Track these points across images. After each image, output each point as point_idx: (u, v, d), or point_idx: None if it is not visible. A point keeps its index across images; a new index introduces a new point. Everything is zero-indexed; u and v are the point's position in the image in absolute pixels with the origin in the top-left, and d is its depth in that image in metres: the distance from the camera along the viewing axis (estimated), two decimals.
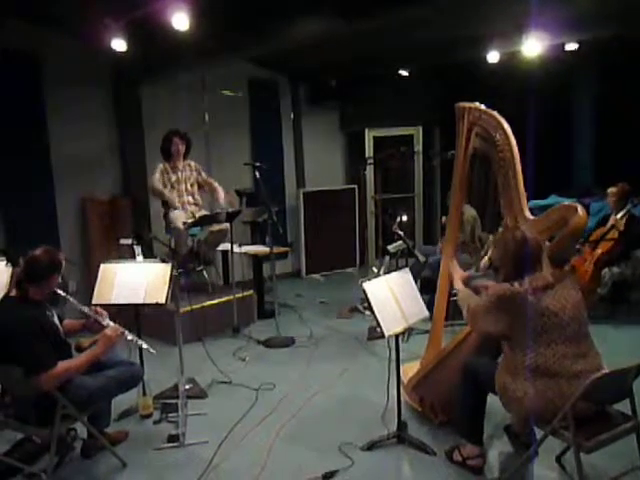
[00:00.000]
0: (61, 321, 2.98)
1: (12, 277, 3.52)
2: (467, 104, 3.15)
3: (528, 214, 2.86)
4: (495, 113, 3.06)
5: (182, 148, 5.06)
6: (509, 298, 2.45)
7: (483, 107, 3.11)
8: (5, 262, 3.43)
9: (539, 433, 2.51)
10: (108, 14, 4.31)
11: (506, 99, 4.64)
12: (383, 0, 3.97)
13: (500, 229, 4.31)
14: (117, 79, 5.68)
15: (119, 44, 4.49)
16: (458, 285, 2.97)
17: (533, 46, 5.14)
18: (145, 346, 2.99)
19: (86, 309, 2.98)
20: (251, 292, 5.41)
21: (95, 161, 5.62)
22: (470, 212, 5.13)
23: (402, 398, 3.19)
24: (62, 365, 2.64)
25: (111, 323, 2.93)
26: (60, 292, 2.89)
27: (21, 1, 4.62)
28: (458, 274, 3.07)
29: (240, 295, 5.14)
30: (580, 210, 2.62)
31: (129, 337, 2.93)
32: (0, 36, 4.81)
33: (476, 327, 2.73)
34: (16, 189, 5.05)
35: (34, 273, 2.72)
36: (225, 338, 4.96)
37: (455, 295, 4.33)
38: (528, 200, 2.94)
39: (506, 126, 2.95)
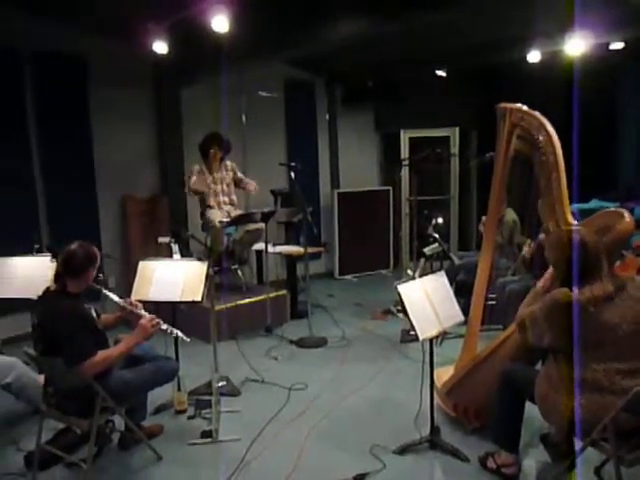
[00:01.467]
0: (98, 316, 3.07)
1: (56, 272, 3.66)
2: (509, 105, 3.09)
3: (571, 219, 2.80)
4: (537, 114, 2.99)
5: (220, 153, 5.12)
6: (566, 306, 2.28)
7: (525, 108, 3.05)
8: (50, 258, 3.55)
9: (578, 444, 2.44)
10: (151, 18, 4.41)
11: (547, 99, 4.55)
12: (422, 1, 3.93)
13: (541, 235, 4.25)
14: (158, 80, 5.81)
15: (160, 47, 4.59)
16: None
17: (576, 45, 5.02)
18: (180, 335, 3.03)
19: (121, 301, 3.04)
20: (284, 292, 5.44)
21: (135, 160, 5.76)
22: (511, 215, 5.04)
23: (435, 402, 3.16)
24: (102, 354, 2.72)
25: (146, 314, 2.98)
26: (95, 285, 2.95)
27: (69, 7, 4.77)
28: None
29: (273, 294, 5.17)
30: (627, 216, 2.55)
31: (164, 327, 2.97)
32: (49, 39, 4.98)
33: (524, 337, 2.55)
34: (61, 187, 5.22)
35: (71, 267, 2.80)
36: (258, 337, 5.00)
37: (490, 300, 4.31)
38: (570, 204, 2.87)
39: (549, 127, 2.89)
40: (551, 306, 2.36)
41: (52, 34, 5.00)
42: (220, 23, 3.99)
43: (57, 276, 2.82)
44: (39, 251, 4.11)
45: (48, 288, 2.88)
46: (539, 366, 2.71)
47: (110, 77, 5.41)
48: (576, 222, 2.80)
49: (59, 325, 2.67)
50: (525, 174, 3.32)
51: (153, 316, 2.94)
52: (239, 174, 5.34)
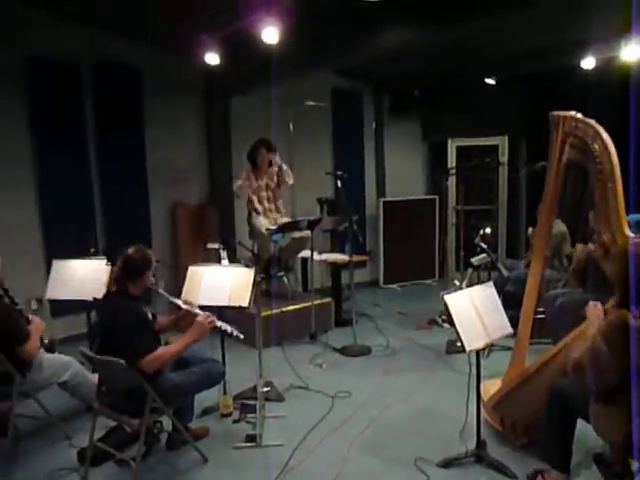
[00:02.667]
0: (154, 317, 3.17)
1: (111, 276, 3.80)
2: (562, 113, 3.00)
3: (627, 231, 2.70)
4: (593, 122, 2.90)
5: (267, 155, 5.19)
6: (622, 328, 2.17)
7: (580, 116, 2.97)
8: (106, 261, 3.69)
9: (635, 464, 2.35)
10: (204, 31, 4.55)
11: (602, 107, 4.43)
12: (472, 9, 3.91)
13: (590, 245, 4.12)
14: (208, 91, 5.97)
15: (212, 58, 4.73)
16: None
17: (633, 51, 4.86)
18: (235, 331, 3.11)
19: (178, 300, 3.15)
20: (329, 299, 5.46)
21: (186, 168, 5.93)
22: (560, 227, 4.90)
23: (482, 416, 3.10)
24: (161, 349, 2.83)
25: (201, 312, 3.07)
26: (154, 287, 3.07)
27: (127, 21, 4.98)
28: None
29: (318, 302, 5.20)
30: None
31: (218, 324, 3.06)
32: (107, 51, 5.21)
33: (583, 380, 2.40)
34: (115, 193, 5.42)
35: (130, 270, 2.92)
36: (302, 344, 5.03)
37: (540, 313, 4.20)
38: (626, 215, 2.77)
39: (605, 136, 2.80)
40: (608, 330, 2.26)
41: (110, 47, 5.23)
42: (270, 35, 4.08)
43: (117, 279, 2.95)
44: (95, 254, 4.29)
45: (110, 289, 3.01)
46: None
47: (163, 87, 5.59)
48: (633, 234, 2.70)
49: (121, 324, 2.80)
50: (577, 184, 3.24)
51: (208, 314, 3.02)
52: (278, 161, 5.29)
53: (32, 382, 3.20)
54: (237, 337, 3.13)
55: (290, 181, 5.29)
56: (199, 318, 3.00)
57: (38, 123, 4.98)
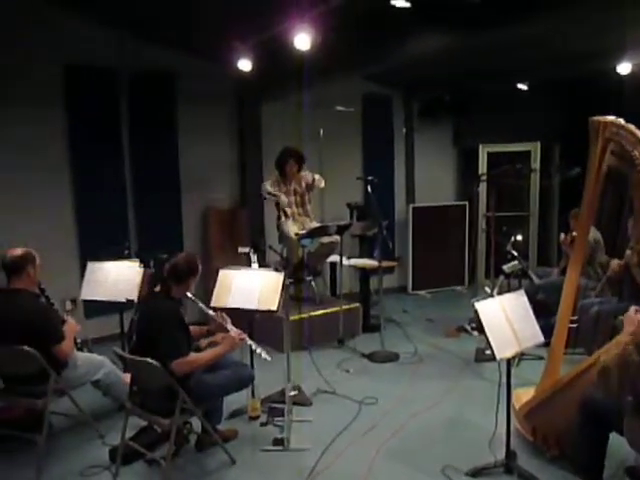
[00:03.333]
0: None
1: (144, 278, 3.89)
2: (603, 118, 2.94)
3: None
4: (634, 128, 2.83)
5: (296, 168, 5.22)
6: None
7: (622, 122, 2.90)
8: (138, 264, 3.77)
9: None
10: (237, 38, 4.61)
11: (638, 113, 4.31)
12: (504, 14, 3.87)
13: (628, 252, 4.02)
14: (240, 96, 6.04)
15: (245, 64, 4.79)
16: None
17: None
18: (263, 354, 3.17)
19: (212, 313, 3.21)
20: (357, 305, 5.45)
21: (218, 172, 6.01)
22: (593, 234, 4.79)
23: (512, 425, 3.05)
24: (193, 355, 2.92)
25: (234, 328, 3.14)
26: (191, 296, 3.13)
27: (161, 27, 5.09)
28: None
29: (346, 307, 5.20)
30: None
31: (249, 342, 3.15)
32: (142, 58, 5.33)
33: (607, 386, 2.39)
34: (149, 196, 5.54)
35: (176, 274, 3.02)
36: (330, 349, 5.03)
37: (573, 322, 4.12)
38: None
39: None
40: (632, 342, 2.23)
41: (145, 53, 5.34)
42: (302, 41, 4.11)
43: (163, 280, 3.04)
44: (128, 257, 4.38)
45: (153, 290, 3.10)
46: None
47: (196, 93, 5.68)
48: None
49: (161, 323, 2.89)
50: (615, 191, 3.17)
51: (240, 331, 3.10)
52: (309, 176, 5.32)
53: (67, 380, 3.28)
54: (265, 359, 3.18)
55: (322, 184, 5.30)
56: (232, 333, 3.09)
57: (75, 128, 5.13)
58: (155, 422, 2.99)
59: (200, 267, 3.15)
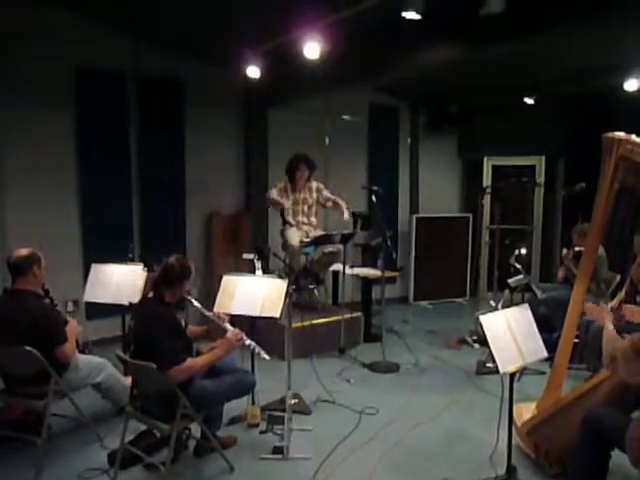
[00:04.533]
0: (186, 325, 3.22)
1: (147, 281, 3.89)
2: (618, 135, 2.92)
3: None
4: None
5: (306, 175, 5.23)
6: None
7: (636, 138, 2.89)
8: (142, 268, 3.77)
9: None
10: (246, 45, 4.64)
11: None
12: (512, 29, 3.89)
13: (634, 267, 4.01)
14: (248, 102, 6.06)
15: (253, 71, 4.81)
16: (608, 326, 2.72)
17: None
18: (262, 353, 3.13)
19: (209, 313, 3.20)
20: (359, 314, 5.45)
21: (223, 178, 6.02)
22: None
23: (513, 441, 3.03)
24: (189, 361, 2.87)
25: (231, 328, 3.12)
26: (188, 297, 3.12)
27: (171, 33, 5.12)
28: (608, 315, 2.80)
29: (348, 316, 5.19)
30: None
31: (247, 342, 3.10)
32: (151, 64, 5.35)
33: (615, 374, 2.47)
34: (154, 200, 5.54)
35: (168, 278, 2.98)
36: (331, 357, 5.02)
37: (578, 337, 4.10)
38: None
39: None
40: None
41: (154, 59, 5.37)
42: (312, 50, 4.13)
43: (155, 285, 3.00)
44: (132, 260, 4.38)
45: (146, 295, 3.07)
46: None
47: (204, 99, 5.70)
48: None
49: (154, 330, 2.85)
50: (624, 208, 3.17)
51: (238, 330, 3.07)
52: (325, 193, 5.37)
53: (68, 382, 3.27)
54: (263, 358, 3.16)
55: (346, 216, 5.13)
56: (229, 335, 3.05)
57: (84, 130, 5.15)
58: (155, 427, 2.98)
59: (193, 269, 3.09)
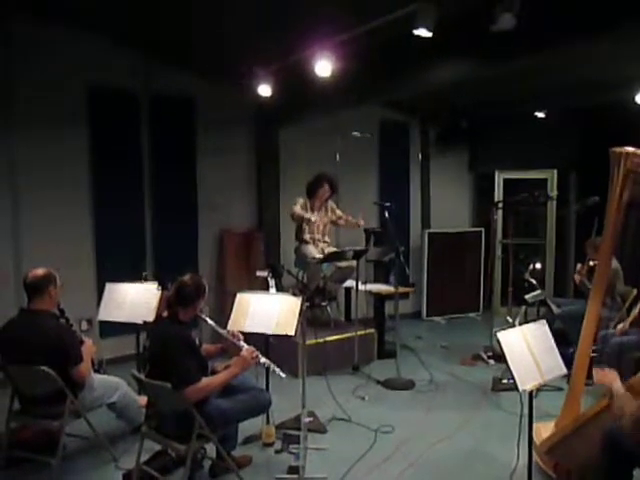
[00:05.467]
0: (200, 344, 3.21)
1: (161, 300, 3.90)
2: (625, 149, 2.95)
3: None
4: None
5: (327, 195, 5.28)
6: None
7: None
8: (156, 286, 3.78)
9: None
10: (258, 63, 4.69)
11: None
12: (523, 44, 3.90)
13: None
14: (259, 121, 6.11)
15: (265, 89, 4.85)
16: (618, 387, 2.63)
17: None
18: (277, 370, 3.12)
19: (224, 332, 3.19)
20: (372, 330, 5.41)
21: (235, 195, 6.05)
22: (613, 264, 4.74)
23: (533, 460, 2.98)
24: (205, 380, 2.86)
25: (246, 345, 3.11)
26: (202, 316, 3.12)
27: (183, 52, 5.19)
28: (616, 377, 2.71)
29: (362, 333, 5.16)
30: None
31: (262, 360, 3.09)
32: (163, 83, 5.42)
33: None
34: (166, 219, 5.56)
35: (183, 297, 2.99)
36: (344, 375, 4.98)
37: (595, 352, 4.05)
38: None
39: None
40: None
41: (166, 78, 5.44)
42: (323, 68, 4.16)
43: (169, 304, 3.01)
44: (146, 279, 4.39)
45: (161, 315, 3.08)
46: None
47: (215, 117, 5.75)
48: None
49: (170, 350, 2.84)
50: (636, 221, 3.14)
51: (253, 349, 3.05)
52: (338, 211, 5.46)
53: (83, 402, 3.27)
54: (279, 376, 3.14)
55: (361, 222, 5.33)
56: (244, 352, 3.04)
57: (96, 149, 5.20)
58: (171, 447, 2.96)
59: (207, 288, 3.10)
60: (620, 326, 4.36)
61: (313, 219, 5.07)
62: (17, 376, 3.18)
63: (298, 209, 5.13)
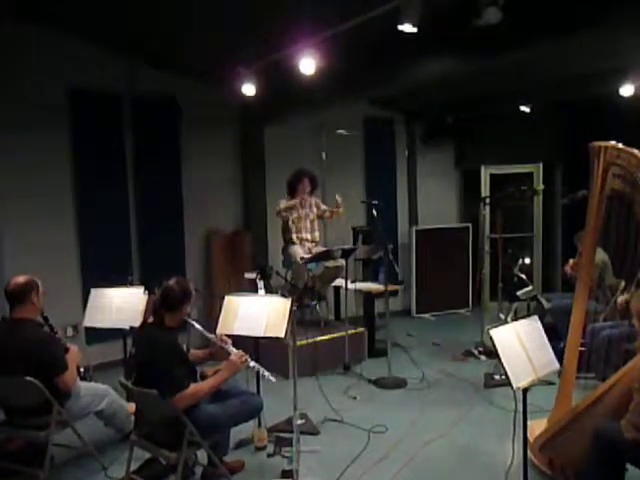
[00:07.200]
0: (187, 350, 3.15)
1: (147, 304, 3.82)
2: (602, 143, 3.00)
3: None
4: (636, 151, 2.88)
5: (309, 189, 5.24)
6: None
7: (621, 146, 2.95)
8: (143, 290, 3.71)
9: None
10: (241, 63, 4.62)
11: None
12: (508, 39, 3.89)
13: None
14: (244, 120, 6.05)
15: (249, 89, 4.79)
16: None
17: None
18: (267, 374, 3.06)
19: (212, 336, 3.13)
20: (362, 329, 5.38)
21: (221, 196, 5.98)
22: (600, 256, 4.74)
23: (528, 456, 2.96)
24: (193, 387, 2.80)
25: (235, 350, 3.05)
26: (190, 320, 3.05)
27: (165, 53, 5.11)
28: None
29: (352, 332, 5.12)
30: None
31: (251, 364, 3.03)
32: (146, 84, 5.34)
33: None
34: (151, 221, 5.49)
35: (169, 302, 2.91)
36: (335, 375, 4.94)
37: (584, 345, 4.05)
38: None
39: None
40: None
41: (149, 79, 5.36)
42: (307, 66, 4.11)
43: (155, 310, 2.93)
44: (132, 283, 4.31)
45: (146, 320, 3.00)
46: None
47: (199, 117, 5.68)
48: None
49: (156, 356, 2.77)
50: (622, 213, 3.15)
51: (242, 352, 2.99)
52: (322, 206, 5.43)
53: (70, 411, 3.19)
54: (269, 380, 3.09)
55: (339, 200, 5.27)
56: (232, 357, 2.97)
57: (79, 152, 5.12)
58: (161, 455, 2.90)
59: (193, 292, 3.03)
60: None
61: (297, 204, 5.06)
62: (1, 387, 3.09)
63: (283, 203, 5.11)
